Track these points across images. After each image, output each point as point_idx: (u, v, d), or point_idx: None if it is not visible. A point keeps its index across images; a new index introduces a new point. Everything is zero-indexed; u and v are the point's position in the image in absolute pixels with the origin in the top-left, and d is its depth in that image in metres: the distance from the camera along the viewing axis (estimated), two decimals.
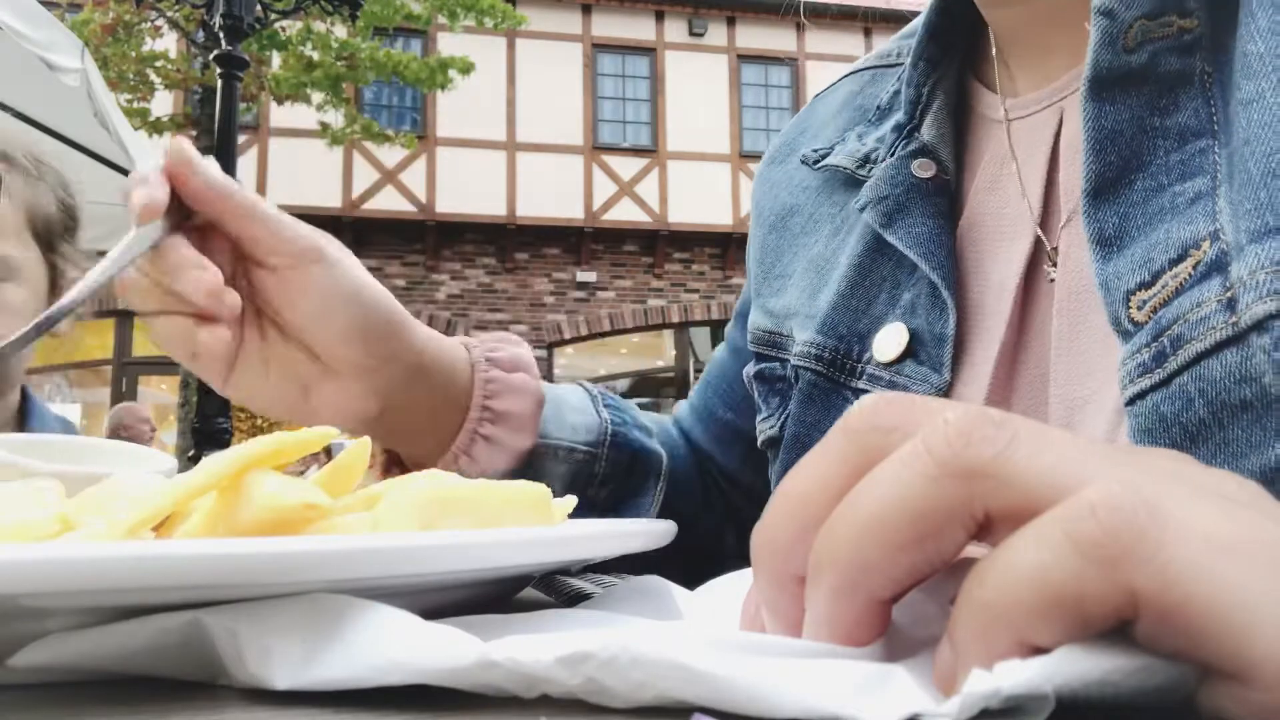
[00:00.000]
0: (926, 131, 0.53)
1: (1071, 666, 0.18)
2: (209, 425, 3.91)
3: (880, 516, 0.21)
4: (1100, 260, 0.40)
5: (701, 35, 10.93)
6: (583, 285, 10.47)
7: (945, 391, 0.48)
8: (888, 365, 0.50)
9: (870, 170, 0.55)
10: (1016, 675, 0.17)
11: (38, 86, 2.61)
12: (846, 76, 0.65)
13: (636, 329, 10.65)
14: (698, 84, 10.79)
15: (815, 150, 0.60)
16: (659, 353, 11.04)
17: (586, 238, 10.36)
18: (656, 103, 10.76)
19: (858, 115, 0.60)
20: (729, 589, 0.33)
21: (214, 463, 0.29)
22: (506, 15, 7.75)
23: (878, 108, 0.58)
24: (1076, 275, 0.45)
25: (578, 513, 0.40)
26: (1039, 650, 0.18)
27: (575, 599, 0.41)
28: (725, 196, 10.65)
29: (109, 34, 6.76)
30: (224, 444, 3.77)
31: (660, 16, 10.90)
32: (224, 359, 0.48)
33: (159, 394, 10.05)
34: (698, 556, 0.59)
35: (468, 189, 10.10)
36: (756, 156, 10.60)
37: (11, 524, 0.27)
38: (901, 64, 0.58)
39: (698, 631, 0.21)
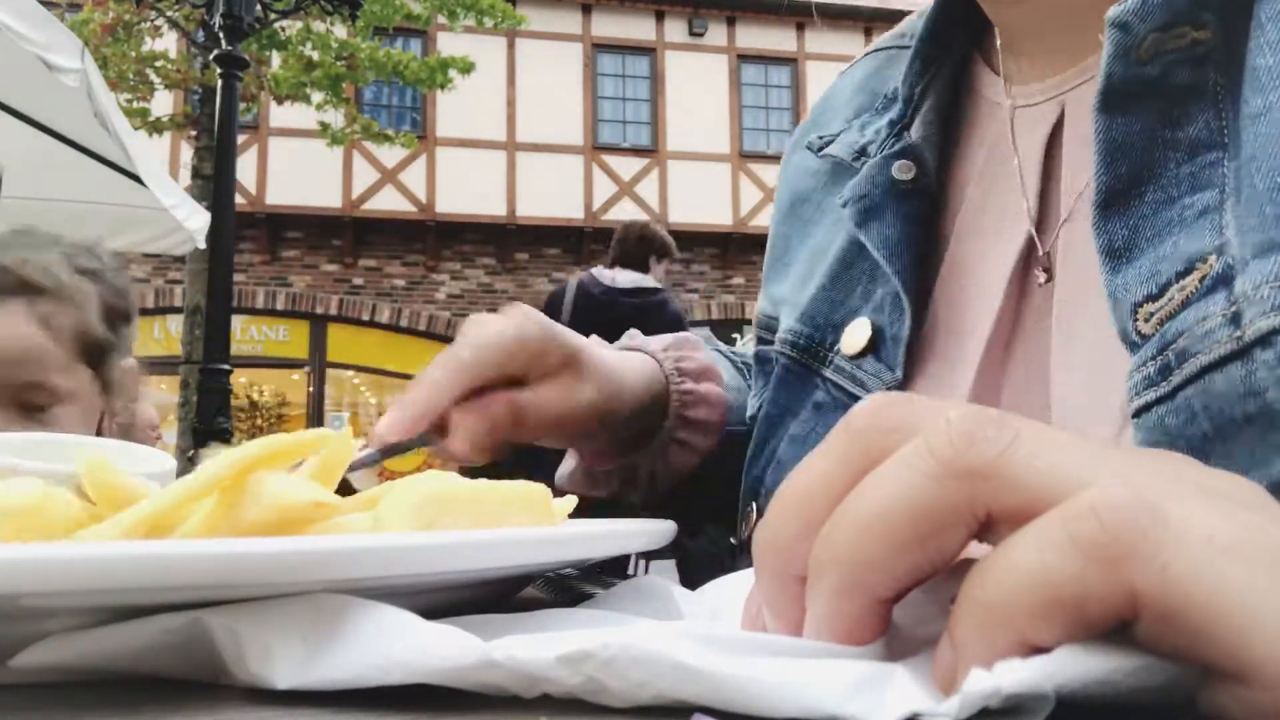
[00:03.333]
0: (915, 131, 0.53)
1: (1072, 666, 0.18)
2: (209, 425, 3.91)
3: (882, 516, 0.21)
4: (1109, 271, 0.40)
5: (701, 35, 10.92)
6: None
7: (901, 388, 0.49)
8: (851, 358, 0.52)
9: (863, 164, 0.55)
10: (1016, 674, 0.17)
11: (38, 86, 2.61)
12: (866, 55, 0.64)
13: None
14: (698, 84, 10.78)
15: (820, 137, 0.61)
16: None
17: (586, 238, 10.35)
18: (656, 103, 10.75)
19: (869, 100, 0.60)
20: (730, 589, 0.33)
21: (214, 464, 0.29)
22: (506, 15, 7.74)
23: (885, 96, 0.58)
24: (1074, 279, 0.45)
25: None
26: (1039, 650, 0.18)
27: (576, 599, 0.41)
28: (725, 196, 10.64)
29: (109, 34, 6.75)
30: (224, 444, 3.76)
31: (660, 16, 10.89)
32: None
33: (159, 394, 10.03)
34: None
35: (468, 189, 10.09)
36: (756, 156, 10.61)
37: (21, 522, 0.27)
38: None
39: (698, 631, 0.21)
